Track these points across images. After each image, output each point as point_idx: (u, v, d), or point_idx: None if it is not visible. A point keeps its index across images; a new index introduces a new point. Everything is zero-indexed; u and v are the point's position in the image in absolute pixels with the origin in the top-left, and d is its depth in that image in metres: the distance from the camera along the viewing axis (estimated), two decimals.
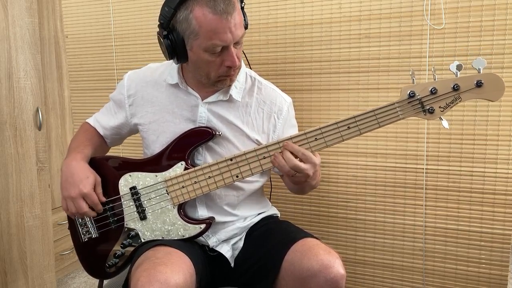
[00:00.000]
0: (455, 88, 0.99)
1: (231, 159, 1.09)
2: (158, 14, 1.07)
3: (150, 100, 1.22)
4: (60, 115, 2.11)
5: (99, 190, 1.15)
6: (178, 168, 1.14)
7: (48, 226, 1.71)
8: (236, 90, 1.19)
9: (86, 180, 1.13)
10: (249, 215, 1.25)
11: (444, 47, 1.51)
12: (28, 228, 1.64)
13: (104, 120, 1.31)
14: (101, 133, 1.31)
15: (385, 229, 1.68)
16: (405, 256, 1.67)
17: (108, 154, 1.34)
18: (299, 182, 1.11)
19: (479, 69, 0.98)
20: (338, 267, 0.98)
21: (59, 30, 2.07)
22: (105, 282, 1.27)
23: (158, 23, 1.09)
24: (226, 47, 1.04)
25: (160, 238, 1.15)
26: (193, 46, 1.05)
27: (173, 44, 1.06)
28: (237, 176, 1.09)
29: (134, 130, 1.29)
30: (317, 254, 1.00)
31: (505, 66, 1.43)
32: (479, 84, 0.98)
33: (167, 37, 1.06)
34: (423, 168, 1.59)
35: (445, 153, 1.56)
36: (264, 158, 1.08)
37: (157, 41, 1.65)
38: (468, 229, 1.56)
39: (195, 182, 1.11)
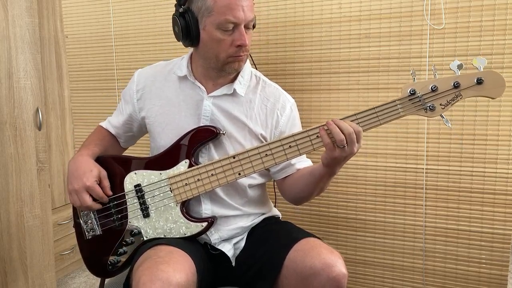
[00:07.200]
0: (456, 86, 0.99)
1: (233, 157, 1.10)
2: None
3: (157, 94, 1.24)
4: (60, 115, 2.10)
5: (106, 183, 1.18)
6: (182, 166, 1.15)
7: (48, 226, 1.71)
8: (240, 85, 1.21)
9: (90, 173, 1.15)
10: (252, 213, 1.25)
11: (444, 47, 1.51)
12: (28, 228, 1.64)
13: (114, 119, 1.34)
14: (113, 132, 1.34)
15: (385, 229, 1.68)
16: (405, 256, 1.67)
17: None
18: (337, 160, 1.02)
19: (480, 67, 0.99)
20: (340, 267, 0.98)
21: (59, 30, 2.07)
22: (106, 281, 1.27)
23: (175, 2, 1.14)
24: (237, 26, 1.08)
25: (162, 237, 1.16)
26: (206, 24, 1.09)
27: (188, 24, 1.11)
28: (239, 174, 1.10)
29: (143, 125, 1.31)
30: (320, 253, 1.00)
31: (505, 66, 1.44)
32: (479, 81, 0.98)
33: (183, 16, 1.12)
34: (423, 168, 1.60)
35: (445, 153, 1.56)
36: (266, 155, 1.08)
37: (157, 41, 1.66)
38: (468, 229, 1.56)
39: (198, 180, 1.12)
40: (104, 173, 1.19)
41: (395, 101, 1.02)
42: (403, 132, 1.60)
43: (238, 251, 1.21)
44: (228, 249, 1.19)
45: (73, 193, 1.16)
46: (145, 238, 1.17)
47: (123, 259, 1.19)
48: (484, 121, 1.49)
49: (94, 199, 1.16)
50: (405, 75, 1.57)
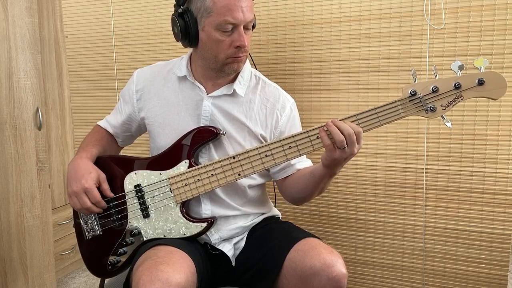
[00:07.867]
0: (457, 86, 0.99)
1: (233, 157, 1.10)
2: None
3: (157, 94, 1.24)
4: (60, 115, 2.10)
5: (106, 186, 1.17)
6: (182, 166, 1.15)
7: (48, 226, 1.71)
8: (240, 86, 1.21)
9: (89, 175, 1.15)
10: (252, 213, 1.25)
11: (444, 47, 1.51)
12: (28, 228, 1.64)
13: (113, 119, 1.34)
14: (112, 132, 1.34)
15: (385, 229, 1.68)
16: (405, 256, 1.67)
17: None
18: (337, 161, 1.02)
19: (481, 68, 0.98)
20: (340, 267, 0.99)
21: (59, 30, 2.07)
22: (106, 281, 1.27)
23: (174, 2, 1.15)
24: (237, 27, 1.08)
25: (162, 237, 1.16)
26: (205, 25, 1.10)
27: (187, 24, 1.12)
28: (239, 174, 1.10)
29: (142, 125, 1.31)
30: (320, 253, 1.00)
31: (505, 66, 1.44)
32: (480, 82, 0.98)
33: (182, 16, 1.12)
34: (423, 168, 1.60)
35: (445, 153, 1.56)
36: (266, 156, 1.08)
37: (157, 41, 1.65)
38: (468, 229, 1.56)
39: (198, 180, 1.12)
40: (103, 176, 1.18)
41: (395, 101, 1.02)
42: (403, 132, 1.60)
43: (238, 251, 1.21)
44: (228, 249, 1.19)
45: (72, 196, 1.15)
46: (145, 238, 1.17)
47: (123, 259, 1.18)
48: (484, 121, 1.49)
49: None
50: (405, 75, 1.57)
